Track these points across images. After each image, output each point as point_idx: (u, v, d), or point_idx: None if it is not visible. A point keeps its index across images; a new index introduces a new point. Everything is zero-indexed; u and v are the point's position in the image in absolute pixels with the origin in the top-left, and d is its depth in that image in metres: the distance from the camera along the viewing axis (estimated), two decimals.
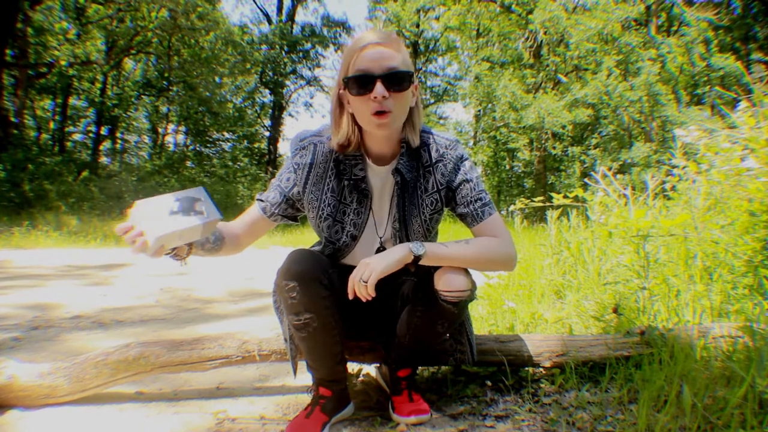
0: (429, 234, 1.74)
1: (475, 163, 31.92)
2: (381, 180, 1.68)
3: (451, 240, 1.63)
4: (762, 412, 1.44)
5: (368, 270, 1.47)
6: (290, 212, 1.76)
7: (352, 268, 1.73)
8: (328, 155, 1.67)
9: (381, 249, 1.74)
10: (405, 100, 1.52)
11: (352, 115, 1.56)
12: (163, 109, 25.87)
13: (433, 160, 1.66)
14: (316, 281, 1.52)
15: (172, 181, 20.67)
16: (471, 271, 1.65)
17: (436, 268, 1.61)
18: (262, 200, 1.74)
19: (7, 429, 1.68)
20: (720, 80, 24.08)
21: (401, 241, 1.71)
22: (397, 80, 1.47)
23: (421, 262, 1.54)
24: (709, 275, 2.72)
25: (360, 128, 1.59)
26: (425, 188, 1.67)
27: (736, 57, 24.60)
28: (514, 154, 31.70)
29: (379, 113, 1.47)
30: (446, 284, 1.57)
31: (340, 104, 1.58)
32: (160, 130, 26.88)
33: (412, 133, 1.62)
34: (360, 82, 1.46)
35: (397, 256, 1.51)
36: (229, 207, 21.68)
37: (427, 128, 1.70)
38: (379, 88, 1.44)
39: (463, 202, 1.66)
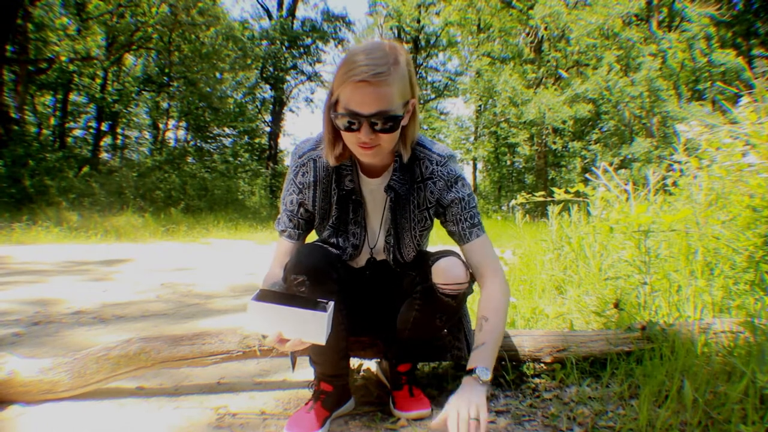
0: (419, 247, 1.75)
1: (475, 159, 32.03)
2: (372, 192, 1.67)
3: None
4: (763, 408, 1.44)
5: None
6: (310, 227, 1.77)
7: (355, 268, 1.77)
8: (329, 168, 1.64)
9: (371, 260, 1.76)
10: (392, 136, 1.46)
11: None
12: (164, 104, 25.73)
13: (425, 177, 1.63)
14: (326, 276, 1.51)
15: (173, 176, 20.62)
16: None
17: (434, 261, 1.61)
18: (284, 230, 1.71)
19: (7, 424, 1.68)
20: (721, 76, 24.06)
21: (393, 254, 1.73)
22: (384, 123, 1.40)
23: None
24: (710, 271, 2.72)
25: None
26: (417, 203, 1.66)
27: (737, 53, 24.58)
28: (514, 149, 31.70)
29: (365, 147, 1.45)
30: (444, 277, 1.56)
31: (331, 121, 1.52)
32: (160, 125, 26.76)
33: (404, 149, 1.59)
34: (347, 121, 1.41)
35: (482, 398, 1.42)
36: (229, 203, 21.69)
37: (421, 141, 1.66)
38: (365, 130, 1.39)
39: (452, 220, 1.64)
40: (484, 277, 1.62)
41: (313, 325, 1.30)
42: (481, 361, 1.48)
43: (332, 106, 1.46)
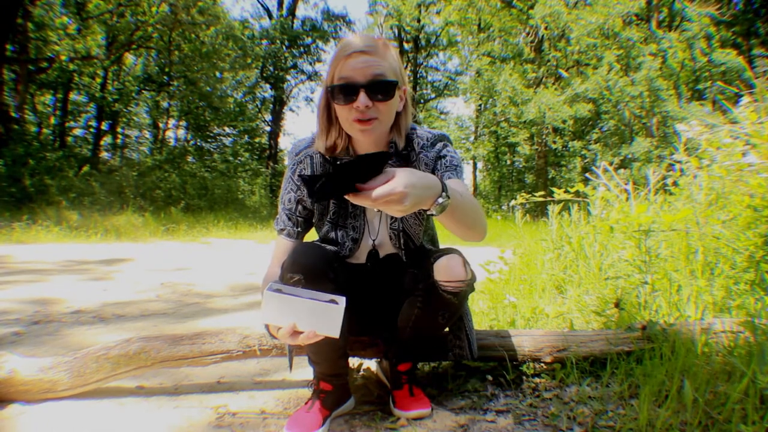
0: (423, 223, 1.77)
1: (475, 158, 32.02)
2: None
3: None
4: (763, 408, 1.44)
5: (400, 197, 1.09)
6: (309, 225, 1.79)
7: (354, 265, 1.75)
8: (326, 164, 1.68)
9: (373, 252, 1.77)
10: (390, 108, 1.52)
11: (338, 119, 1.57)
12: (164, 104, 25.76)
13: (417, 153, 1.67)
14: (322, 275, 1.51)
15: (173, 176, 20.63)
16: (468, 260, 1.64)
17: (436, 258, 1.61)
18: (283, 229, 1.74)
19: (7, 423, 1.68)
20: (721, 75, 24.06)
21: (400, 240, 1.74)
22: (381, 89, 1.46)
23: (438, 213, 1.25)
24: (711, 270, 2.71)
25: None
26: None
27: (737, 52, 24.58)
28: (514, 148, 31.71)
29: (363, 120, 1.47)
30: (446, 274, 1.56)
31: (327, 108, 1.58)
32: (160, 125, 26.77)
33: (398, 137, 1.63)
34: (344, 91, 1.45)
35: (428, 194, 1.19)
36: (230, 202, 21.70)
37: (413, 127, 1.70)
38: (362, 97, 1.44)
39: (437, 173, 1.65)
40: None
41: (330, 318, 1.30)
42: (451, 191, 1.28)
43: (329, 87, 1.50)
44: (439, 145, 1.69)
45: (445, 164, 1.66)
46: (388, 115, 1.53)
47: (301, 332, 1.31)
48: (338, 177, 1.08)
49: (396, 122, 1.60)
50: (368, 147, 1.62)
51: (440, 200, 1.21)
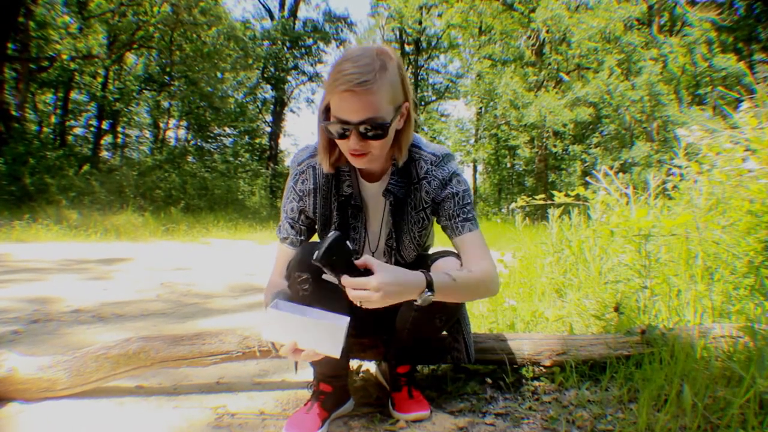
0: (420, 247, 1.76)
1: (475, 161, 32.03)
2: (372, 196, 1.68)
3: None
4: (762, 413, 1.44)
5: (374, 297, 1.30)
6: (312, 233, 1.78)
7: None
8: (328, 175, 1.66)
9: None
10: (384, 143, 1.47)
11: None
12: (165, 104, 25.76)
13: (420, 177, 1.64)
14: None
15: (173, 176, 20.63)
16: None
17: (433, 261, 1.62)
18: (286, 238, 1.72)
19: (6, 422, 1.68)
20: (722, 80, 24.08)
21: (394, 257, 1.74)
22: (372, 130, 1.40)
23: (424, 304, 1.40)
24: (711, 275, 2.72)
25: None
26: (414, 204, 1.67)
27: (738, 57, 24.59)
28: (515, 152, 31.70)
29: (355, 154, 1.45)
30: None
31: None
32: (161, 124, 26.79)
33: (399, 153, 1.59)
34: (336, 128, 1.41)
35: (409, 291, 1.37)
36: (230, 202, 21.70)
37: (416, 142, 1.66)
38: (353, 139, 1.41)
39: (445, 215, 1.64)
40: (470, 264, 1.57)
41: (331, 337, 1.31)
42: (440, 276, 1.42)
43: (324, 112, 1.46)
44: (445, 172, 1.64)
45: (457, 211, 1.63)
46: (382, 149, 1.48)
47: (302, 350, 1.33)
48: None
49: (396, 139, 1.55)
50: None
51: (425, 295, 1.38)
